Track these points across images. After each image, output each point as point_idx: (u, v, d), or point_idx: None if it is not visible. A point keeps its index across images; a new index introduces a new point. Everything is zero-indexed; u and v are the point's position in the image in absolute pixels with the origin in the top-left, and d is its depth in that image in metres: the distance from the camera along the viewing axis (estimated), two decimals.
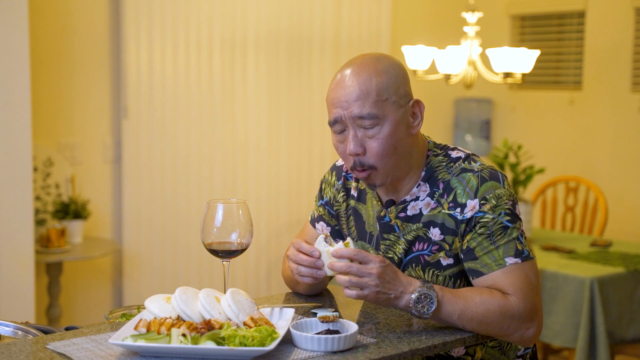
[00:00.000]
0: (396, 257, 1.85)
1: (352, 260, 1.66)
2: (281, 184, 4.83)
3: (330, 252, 1.67)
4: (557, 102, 5.46)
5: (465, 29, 4.33)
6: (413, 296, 1.65)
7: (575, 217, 4.72)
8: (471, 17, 4.31)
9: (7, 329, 1.75)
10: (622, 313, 3.51)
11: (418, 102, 1.82)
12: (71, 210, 3.99)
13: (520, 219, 1.80)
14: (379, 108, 1.75)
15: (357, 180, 1.96)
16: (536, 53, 4.16)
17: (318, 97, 4.92)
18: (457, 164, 1.83)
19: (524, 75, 4.19)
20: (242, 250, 1.77)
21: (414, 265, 1.84)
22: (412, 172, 1.84)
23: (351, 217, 1.96)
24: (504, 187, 1.79)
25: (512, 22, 5.69)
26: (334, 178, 2.01)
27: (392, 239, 1.86)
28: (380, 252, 1.88)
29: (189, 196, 4.48)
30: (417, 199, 1.84)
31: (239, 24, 4.59)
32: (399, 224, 1.85)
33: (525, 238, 1.79)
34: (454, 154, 1.85)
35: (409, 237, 1.84)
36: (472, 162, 1.83)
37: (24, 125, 3.49)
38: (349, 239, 1.71)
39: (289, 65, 4.80)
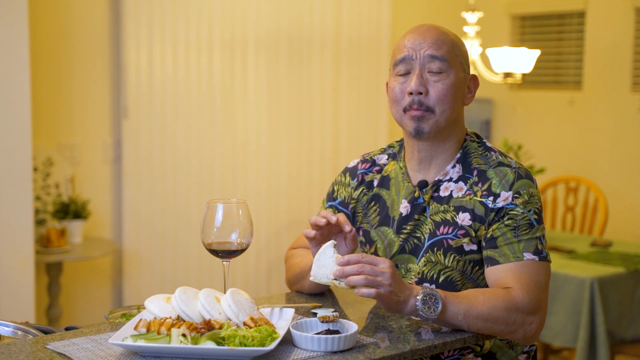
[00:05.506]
0: (422, 237, 1.88)
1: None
2: (281, 184, 4.83)
3: (337, 261, 1.65)
4: (557, 102, 5.46)
5: (465, 29, 4.33)
6: (419, 297, 1.65)
7: (575, 217, 4.72)
8: (471, 17, 4.31)
9: (7, 329, 1.75)
10: (622, 313, 3.51)
11: (475, 78, 1.94)
12: (71, 210, 3.99)
13: (543, 223, 1.84)
14: (450, 58, 1.85)
15: (379, 172, 1.98)
16: (536, 53, 4.16)
17: (318, 97, 4.92)
18: (493, 156, 1.89)
19: (524, 75, 4.19)
20: (242, 250, 1.77)
21: (435, 249, 1.85)
22: (450, 144, 1.89)
23: (372, 206, 1.97)
24: (536, 189, 1.85)
25: (512, 22, 5.69)
26: (347, 178, 2.03)
27: (421, 219, 1.88)
28: (402, 236, 1.89)
29: (189, 196, 4.48)
30: (449, 180, 1.88)
31: (239, 24, 4.58)
32: (430, 203, 1.88)
33: (546, 242, 1.83)
34: (488, 144, 1.93)
35: (437, 219, 1.86)
36: (508, 158, 1.89)
37: (24, 125, 3.49)
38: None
39: (289, 65, 4.80)
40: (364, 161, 2.03)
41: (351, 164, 2.05)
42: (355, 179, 2.01)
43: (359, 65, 5.07)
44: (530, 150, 4.92)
